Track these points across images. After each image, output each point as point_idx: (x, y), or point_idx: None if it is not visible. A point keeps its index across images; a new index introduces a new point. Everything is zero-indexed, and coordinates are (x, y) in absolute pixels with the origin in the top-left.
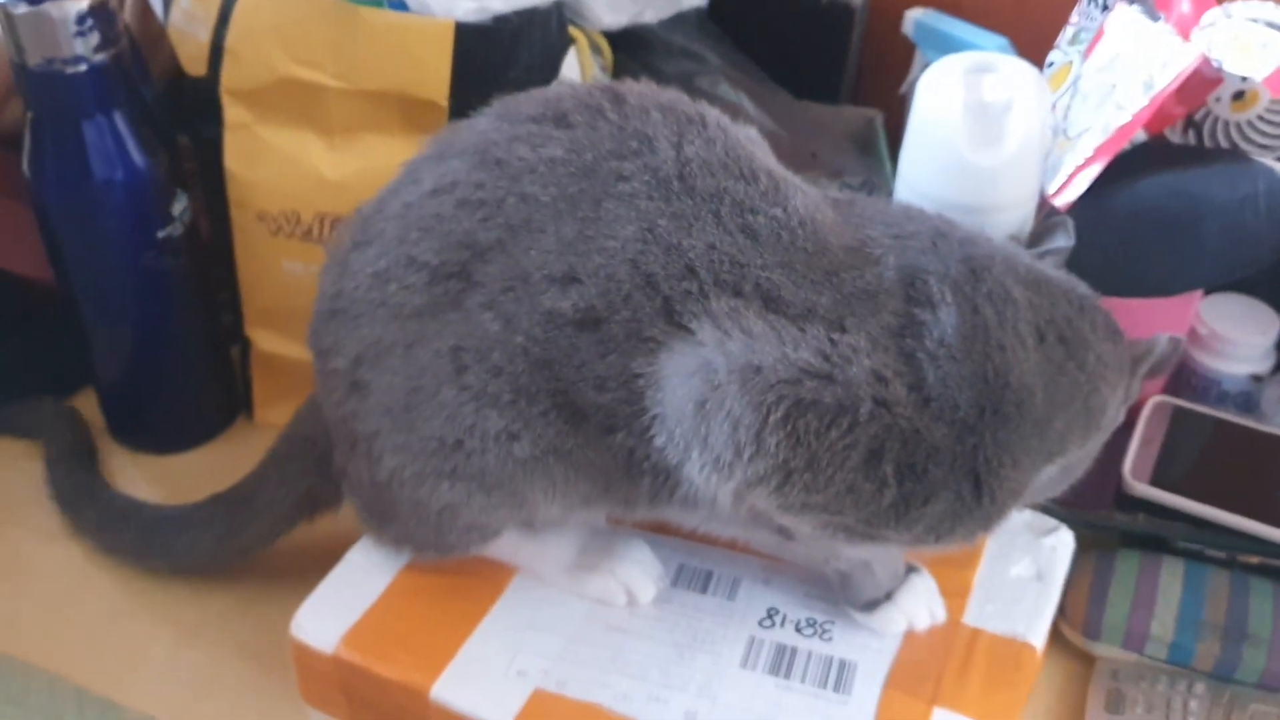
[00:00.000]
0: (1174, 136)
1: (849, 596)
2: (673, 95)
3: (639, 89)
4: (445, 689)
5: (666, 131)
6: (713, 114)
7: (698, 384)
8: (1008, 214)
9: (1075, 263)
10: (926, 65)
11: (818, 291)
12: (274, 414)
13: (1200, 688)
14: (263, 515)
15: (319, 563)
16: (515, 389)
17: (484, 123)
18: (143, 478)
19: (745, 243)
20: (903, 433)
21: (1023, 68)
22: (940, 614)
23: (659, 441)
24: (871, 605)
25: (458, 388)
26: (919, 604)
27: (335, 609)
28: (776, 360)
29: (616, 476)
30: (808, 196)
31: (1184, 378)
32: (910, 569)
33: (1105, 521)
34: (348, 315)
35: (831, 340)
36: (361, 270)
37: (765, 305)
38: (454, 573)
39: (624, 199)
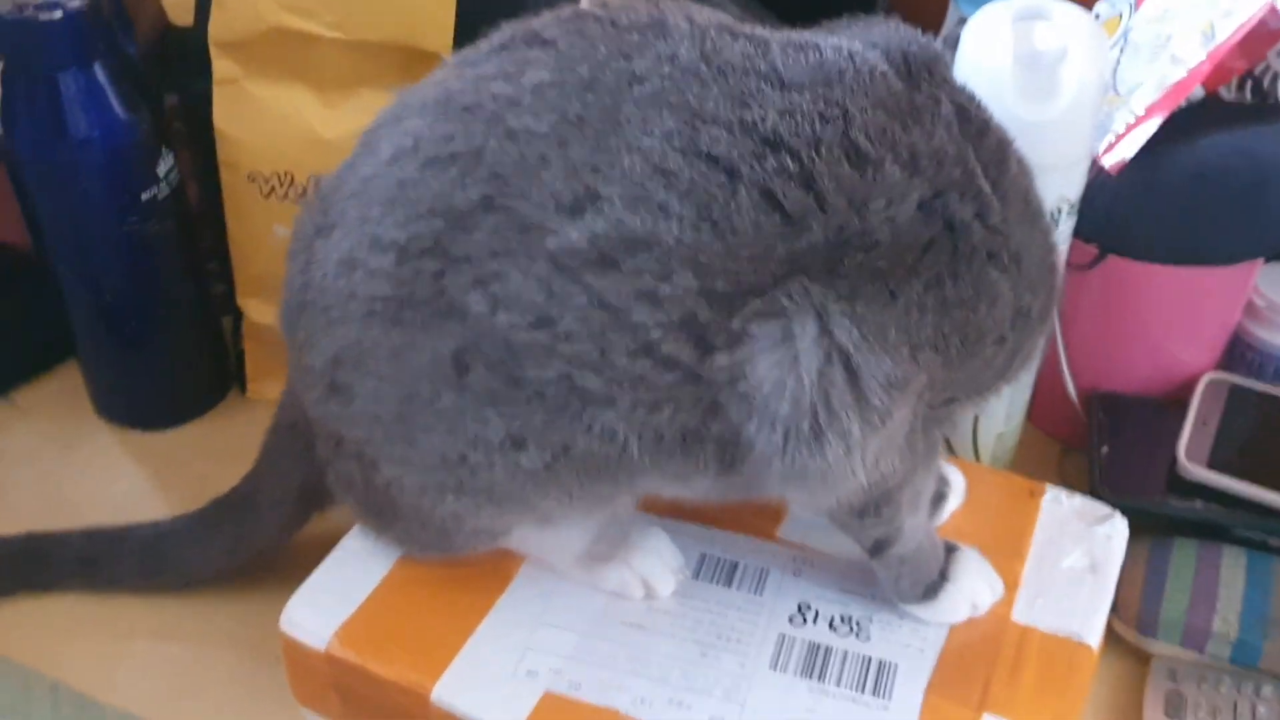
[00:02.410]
0: (1227, 94)
1: (909, 586)
2: None
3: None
4: (447, 690)
5: (671, 12)
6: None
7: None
8: (1058, 175)
9: (1127, 228)
10: (961, 19)
11: (932, 128)
12: (268, 388)
13: (1269, 690)
14: (268, 516)
15: (311, 549)
16: (509, 380)
17: (441, 74)
18: (129, 455)
19: (827, 92)
20: (1015, 284)
21: (1077, 13)
22: (999, 587)
23: (754, 428)
24: (931, 591)
25: (458, 391)
26: (978, 581)
27: (328, 601)
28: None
29: (664, 454)
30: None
31: (1240, 353)
32: (951, 547)
33: (1159, 508)
34: (317, 308)
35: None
36: (327, 258)
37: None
38: (457, 562)
39: (647, 102)
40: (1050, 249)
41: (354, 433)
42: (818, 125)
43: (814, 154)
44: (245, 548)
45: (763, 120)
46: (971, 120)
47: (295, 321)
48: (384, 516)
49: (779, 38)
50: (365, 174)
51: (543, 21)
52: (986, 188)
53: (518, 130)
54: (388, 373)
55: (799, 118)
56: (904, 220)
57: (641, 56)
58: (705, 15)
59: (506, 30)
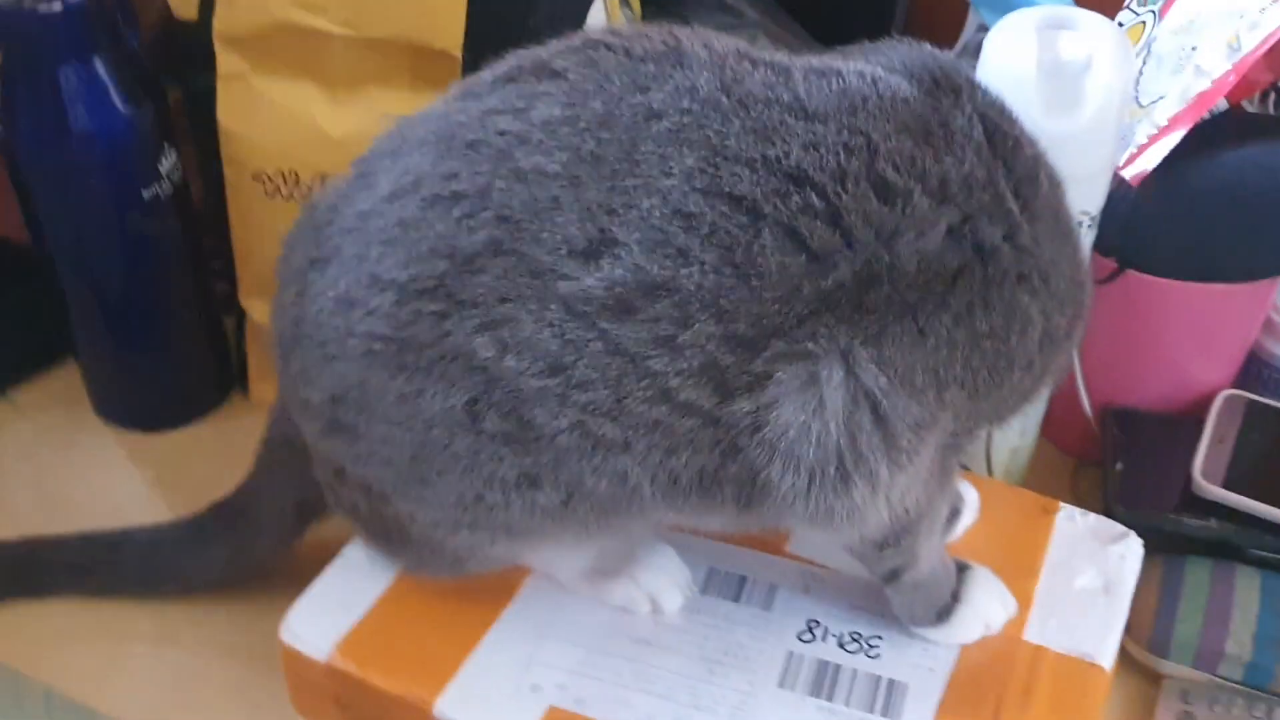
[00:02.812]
0: (1250, 106)
1: (922, 609)
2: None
3: (626, 26)
4: (450, 704)
5: (687, 39)
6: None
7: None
8: (1079, 187)
9: (1146, 243)
10: (981, 26)
11: (962, 153)
12: (270, 391)
13: None
14: (266, 529)
15: (313, 558)
16: (521, 423)
17: (442, 106)
18: (129, 456)
19: (851, 121)
20: (1045, 305)
21: (1102, 23)
22: (1012, 606)
23: (777, 474)
24: (944, 613)
25: (473, 435)
26: (991, 601)
27: (329, 612)
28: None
29: (679, 495)
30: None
31: (1257, 370)
32: (963, 566)
33: (1173, 526)
34: (313, 343)
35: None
36: (323, 293)
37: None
38: None
39: (665, 139)
40: (1080, 264)
41: (361, 470)
42: (843, 157)
43: (840, 189)
44: (244, 559)
45: (786, 155)
46: (1003, 137)
47: (289, 352)
48: (392, 542)
49: (800, 64)
50: (362, 209)
51: (551, 51)
52: (1015, 208)
53: (527, 169)
54: (397, 418)
55: (823, 150)
56: (933, 249)
57: (658, 89)
58: (723, 43)
59: (512, 60)
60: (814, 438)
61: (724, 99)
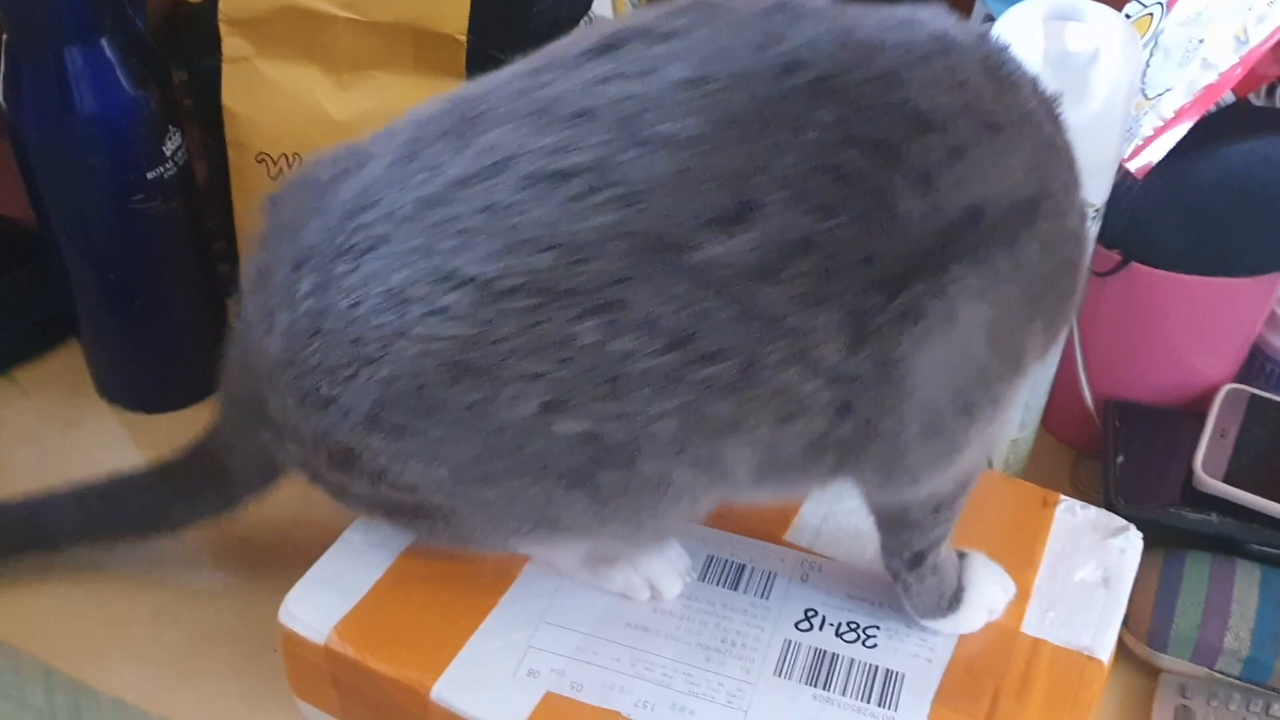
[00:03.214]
0: (1257, 100)
1: (935, 599)
2: None
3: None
4: (447, 689)
5: None
6: None
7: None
8: (1087, 179)
9: (1151, 236)
10: (988, 17)
11: (1024, 89)
12: None
13: (1279, 708)
14: (238, 476)
15: (313, 541)
16: (610, 416)
17: (521, 82)
18: (131, 439)
19: (947, 61)
20: (1084, 235)
21: (1109, 14)
22: (1011, 588)
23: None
24: (955, 601)
25: (547, 438)
26: (992, 585)
27: (328, 595)
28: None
29: (773, 471)
30: None
31: (1260, 364)
32: (961, 554)
33: (1173, 520)
34: (342, 338)
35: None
36: (361, 287)
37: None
38: (460, 558)
39: (801, 94)
40: (1081, 200)
41: (398, 467)
42: (953, 96)
43: (956, 126)
44: (231, 502)
45: (909, 99)
46: (1033, 77)
47: (303, 345)
48: (400, 516)
49: (887, 14)
50: (423, 194)
51: (652, 16)
52: (1059, 142)
53: (658, 136)
54: (465, 419)
55: (935, 90)
56: (1020, 178)
57: (780, 44)
58: None
59: (602, 28)
60: (950, 370)
61: (843, 50)
